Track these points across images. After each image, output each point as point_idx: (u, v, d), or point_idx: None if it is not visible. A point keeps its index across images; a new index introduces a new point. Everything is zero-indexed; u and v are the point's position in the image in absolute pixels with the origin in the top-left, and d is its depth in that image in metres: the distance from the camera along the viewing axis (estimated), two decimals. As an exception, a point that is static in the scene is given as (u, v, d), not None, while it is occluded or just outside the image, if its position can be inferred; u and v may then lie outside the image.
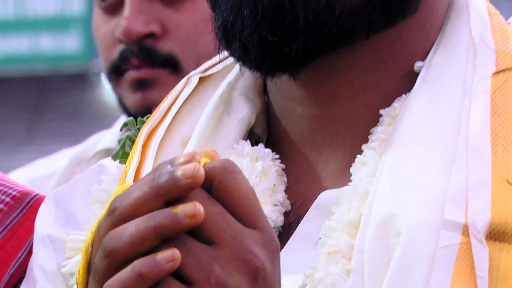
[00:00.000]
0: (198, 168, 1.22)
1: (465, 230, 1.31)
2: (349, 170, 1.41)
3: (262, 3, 1.38)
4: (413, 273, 1.32)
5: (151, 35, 2.19)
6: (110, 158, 1.57)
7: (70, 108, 18.51)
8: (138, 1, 2.24)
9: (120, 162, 1.51)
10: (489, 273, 1.31)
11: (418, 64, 1.44)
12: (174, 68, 2.23)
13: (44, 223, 1.58)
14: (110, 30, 2.27)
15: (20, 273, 1.73)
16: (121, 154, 1.52)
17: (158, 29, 2.22)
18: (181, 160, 1.23)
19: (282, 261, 1.33)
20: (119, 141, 1.54)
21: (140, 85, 2.27)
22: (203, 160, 1.26)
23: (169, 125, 1.50)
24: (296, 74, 1.45)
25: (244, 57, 1.42)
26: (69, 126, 17.86)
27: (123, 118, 2.43)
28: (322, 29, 1.39)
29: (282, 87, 1.48)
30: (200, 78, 1.54)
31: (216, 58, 1.54)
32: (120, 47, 2.23)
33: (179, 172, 1.21)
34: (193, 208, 1.19)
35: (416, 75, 1.43)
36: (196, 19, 2.23)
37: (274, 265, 1.28)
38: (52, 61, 18.16)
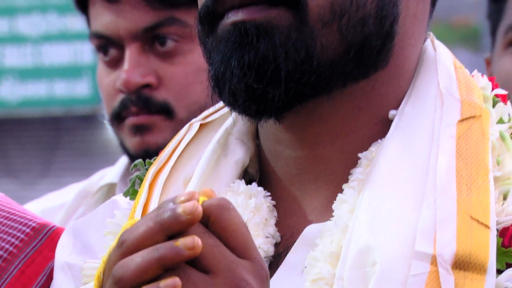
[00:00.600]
0: (197, 206, 1.24)
1: (433, 260, 1.31)
2: (331, 206, 1.41)
3: (248, 55, 1.38)
4: None
5: (147, 86, 2.22)
6: (122, 194, 1.56)
7: (81, 145, 18.51)
8: (136, 56, 2.25)
9: (130, 199, 1.52)
10: None
11: (392, 112, 1.44)
12: (169, 114, 2.25)
13: (63, 252, 1.58)
14: (111, 81, 2.28)
15: None
16: (131, 191, 1.52)
17: (154, 81, 2.24)
18: (182, 198, 1.25)
19: (272, 287, 1.35)
20: (129, 180, 1.54)
21: (138, 129, 2.28)
22: (202, 199, 1.28)
23: (173, 166, 1.50)
24: (281, 118, 1.45)
25: (233, 102, 1.42)
26: (80, 161, 17.83)
27: (124, 158, 2.44)
28: (302, 78, 1.39)
29: (271, 132, 1.47)
30: (201, 125, 1.54)
31: (214, 107, 1.55)
32: (121, 96, 2.26)
33: (180, 209, 1.23)
34: (192, 241, 1.21)
35: (390, 122, 1.43)
36: (188, 71, 2.25)
37: None
38: (65, 104, 18.16)
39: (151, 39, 2.24)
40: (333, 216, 1.41)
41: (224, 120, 1.53)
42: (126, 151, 2.29)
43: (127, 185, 2.36)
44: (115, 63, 2.26)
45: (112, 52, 2.27)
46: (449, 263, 1.32)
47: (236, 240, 1.27)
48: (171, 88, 2.27)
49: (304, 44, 1.39)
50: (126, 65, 2.22)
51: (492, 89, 1.49)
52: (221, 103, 1.54)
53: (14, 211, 1.78)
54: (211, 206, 1.27)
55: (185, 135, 1.54)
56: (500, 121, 1.47)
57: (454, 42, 23.18)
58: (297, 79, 1.39)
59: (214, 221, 1.26)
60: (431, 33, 1.52)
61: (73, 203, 2.40)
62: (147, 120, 2.24)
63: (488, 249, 1.34)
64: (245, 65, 1.38)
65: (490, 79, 1.51)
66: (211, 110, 1.56)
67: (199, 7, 1.44)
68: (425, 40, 1.50)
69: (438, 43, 1.51)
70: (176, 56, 2.26)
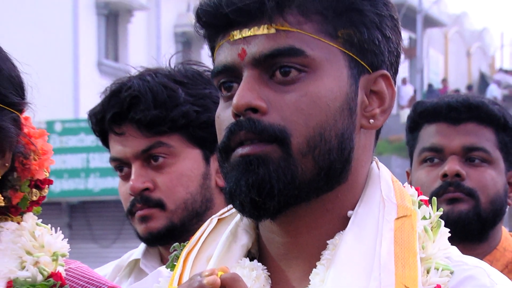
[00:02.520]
0: (216, 279, 1.26)
1: None
2: (309, 277, 1.38)
3: (252, 178, 1.36)
4: None
5: (147, 189, 2.21)
6: (165, 266, 1.53)
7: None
8: (138, 170, 2.23)
9: (170, 270, 1.48)
10: None
11: (349, 212, 1.41)
12: (162, 207, 2.23)
13: None
14: (126, 189, 2.27)
15: None
16: (171, 265, 1.49)
17: (151, 185, 2.23)
18: (206, 273, 1.27)
19: None
20: (169, 257, 1.50)
21: (143, 219, 2.25)
22: (220, 273, 1.30)
23: (199, 249, 1.47)
24: (275, 218, 1.41)
25: (242, 210, 1.40)
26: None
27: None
28: (289, 193, 1.37)
29: (266, 225, 1.44)
30: (218, 219, 1.50)
31: (228, 207, 1.51)
32: (131, 198, 2.24)
33: (205, 281, 1.26)
34: None
35: (348, 219, 1.40)
36: (173, 177, 2.22)
37: None
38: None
39: (147, 157, 2.23)
40: (309, 284, 1.38)
41: (234, 216, 1.50)
42: (137, 235, 2.30)
43: (147, 259, 2.40)
44: (127, 177, 2.25)
45: (125, 169, 2.27)
46: None
47: None
48: (163, 190, 2.25)
49: (289, 170, 1.37)
50: (132, 176, 2.22)
51: (418, 195, 1.47)
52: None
53: (91, 277, 1.73)
54: (226, 278, 1.28)
55: (208, 226, 1.51)
56: (424, 218, 1.44)
57: (391, 152, 23.34)
58: (286, 194, 1.37)
59: None
60: (375, 157, 1.49)
61: (111, 274, 2.42)
62: (148, 213, 2.23)
63: None
64: (250, 185, 1.36)
65: (416, 189, 1.48)
66: (225, 209, 1.53)
67: (219, 142, 1.42)
68: (371, 162, 1.47)
69: (380, 164, 1.49)
70: (165, 167, 2.24)
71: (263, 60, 1.37)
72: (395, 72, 1.46)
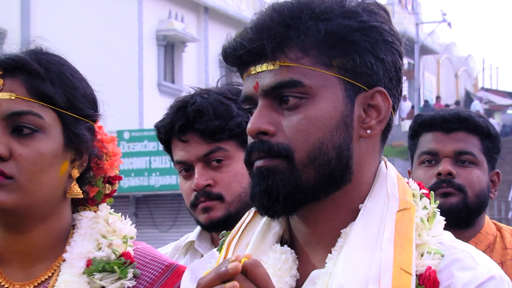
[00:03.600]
0: (238, 265, 1.24)
1: None
2: (325, 260, 1.36)
3: (263, 186, 1.36)
4: None
5: (209, 185, 2.20)
6: (216, 249, 1.53)
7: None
8: (201, 170, 2.22)
9: (220, 253, 1.47)
10: None
11: (360, 205, 1.39)
12: (222, 200, 2.21)
13: (185, 281, 1.53)
14: (188, 186, 2.25)
15: None
16: (220, 248, 1.48)
17: (212, 182, 2.21)
18: (232, 259, 1.25)
19: None
20: (219, 242, 1.51)
21: (205, 210, 2.23)
22: (244, 259, 1.27)
23: (240, 236, 1.45)
24: (290, 215, 1.43)
25: (260, 211, 1.42)
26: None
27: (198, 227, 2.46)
28: (295, 197, 1.37)
29: (294, 217, 1.43)
30: (255, 212, 1.48)
31: None
32: (194, 193, 2.22)
33: (229, 266, 1.24)
34: (233, 285, 1.22)
35: (358, 211, 1.39)
36: (230, 175, 2.22)
37: None
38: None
39: (208, 160, 2.21)
40: (325, 266, 1.36)
41: None
42: (199, 223, 2.28)
43: (200, 241, 2.39)
44: (190, 176, 2.23)
45: (189, 170, 2.25)
46: None
47: (262, 283, 1.26)
48: (222, 186, 2.22)
49: (294, 179, 1.36)
50: (196, 175, 2.20)
51: (420, 189, 1.44)
52: None
53: (155, 255, 1.72)
54: (248, 264, 1.25)
55: (246, 217, 1.50)
56: (424, 208, 1.42)
57: (394, 155, 23.17)
58: (292, 197, 1.37)
59: (250, 273, 1.25)
60: (385, 158, 1.47)
61: (171, 253, 2.43)
62: (210, 204, 2.21)
63: (410, 286, 1.30)
64: (262, 192, 1.37)
65: (419, 184, 1.46)
66: None
67: (244, 158, 1.43)
68: (380, 162, 1.45)
69: (389, 164, 1.46)
70: (223, 168, 2.22)
71: (271, 91, 1.37)
72: (397, 84, 1.43)
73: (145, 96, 24.32)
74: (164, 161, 18.12)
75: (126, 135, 18.97)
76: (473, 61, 45.05)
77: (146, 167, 19.16)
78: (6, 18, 21.22)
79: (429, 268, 1.33)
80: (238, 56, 1.40)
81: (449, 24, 33.76)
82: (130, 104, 23.35)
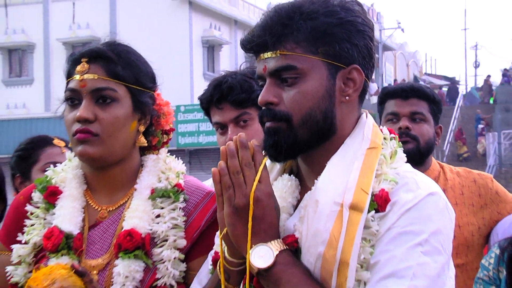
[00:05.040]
0: (241, 137, 1.27)
1: (341, 205, 1.24)
2: (316, 183, 1.30)
3: (270, 142, 1.30)
4: (321, 218, 1.23)
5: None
6: None
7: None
8: (233, 129, 2.08)
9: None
10: (347, 225, 1.21)
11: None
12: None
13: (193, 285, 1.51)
14: (223, 139, 2.09)
15: (202, 229, 1.59)
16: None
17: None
18: (241, 135, 1.30)
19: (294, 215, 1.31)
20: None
21: (221, 128, 2.12)
22: (253, 141, 1.29)
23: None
24: (293, 159, 1.37)
25: (269, 158, 1.32)
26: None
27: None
28: (293, 149, 1.30)
29: (298, 158, 1.37)
30: None
31: None
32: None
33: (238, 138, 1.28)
34: (240, 135, 1.29)
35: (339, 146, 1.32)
36: (253, 131, 2.07)
37: (265, 204, 1.24)
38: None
39: (237, 121, 2.08)
40: (312, 189, 1.30)
41: None
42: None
43: None
44: (224, 133, 2.10)
45: (223, 129, 2.12)
46: (347, 205, 1.23)
47: (257, 160, 1.27)
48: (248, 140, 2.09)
49: (292, 136, 1.29)
50: (229, 132, 2.07)
51: (390, 134, 1.38)
52: None
53: (198, 185, 1.68)
54: (255, 146, 1.27)
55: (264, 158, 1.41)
56: (391, 147, 1.35)
57: (365, 120, 22.54)
58: (291, 149, 1.30)
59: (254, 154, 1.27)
60: (366, 110, 1.39)
61: (211, 185, 2.25)
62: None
63: (366, 202, 1.23)
64: (270, 146, 1.31)
65: (390, 130, 1.39)
66: None
67: (259, 119, 1.36)
68: (361, 115, 1.37)
69: (369, 115, 1.38)
70: (248, 126, 2.09)
71: (274, 73, 1.31)
72: (369, 60, 1.34)
73: (194, 82, 24.04)
74: (208, 126, 17.93)
75: (182, 108, 18.81)
76: (419, 55, 44.24)
77: (196, 129, 19.04)
78: (100, 28, 21.11)
79: (383, 190, 1.26)
80: (250, 47, 1.34)
81: (402, 30, 33.18)
82: (184, 87, 23.15)
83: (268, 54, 1.31)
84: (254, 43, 1.32)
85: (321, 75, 1.29)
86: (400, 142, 1.38)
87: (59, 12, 24.84)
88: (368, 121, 1.35)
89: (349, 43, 1.29)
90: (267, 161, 1.32)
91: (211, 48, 26.34)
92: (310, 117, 1.29)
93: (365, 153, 1.29)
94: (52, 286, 1.33)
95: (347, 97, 1.32)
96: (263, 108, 1.32)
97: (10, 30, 24.94)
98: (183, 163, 1.71)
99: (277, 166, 1.41)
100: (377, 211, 1.24)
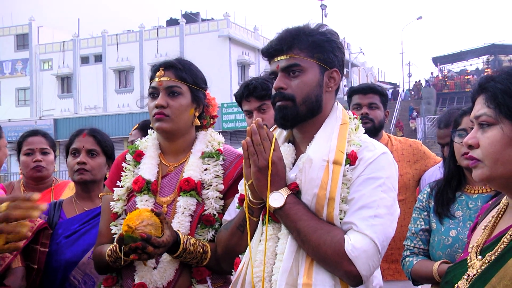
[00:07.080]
0: (257, 123, 1.20)
1: (327, 161, 1.19)
2: (307, 148, 1.25)
3: (280, 115, 1.26)
4: (314, 170, 1.19)
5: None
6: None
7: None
8: (257, 115, 2.02)
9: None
10: (332, 174, 1.17)
11: (323, 123, 1.27)
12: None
13: None
14: (250, 122, 2.01)
15: (234, 179, 1.50)
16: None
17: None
18: (258, 122, 1.22)
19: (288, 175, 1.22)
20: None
21: (248, 114, 2.09)
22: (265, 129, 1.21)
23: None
24: (293, 128, 1.30)
25: (279, 127, 1.29)
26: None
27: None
28: (295, 120, 1.25)
29: (294, 130, 1.31)
30: (275, 127, 1.36)
31: None
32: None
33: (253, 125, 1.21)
34: (257, 120, 1.22)
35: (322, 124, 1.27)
36: (270, 117, 2.01)
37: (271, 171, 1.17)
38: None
39: (259, 109, 2.04)
40: (305, 151, 1.25)
41: None
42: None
43: None
44: (251, 117, 2.05)
45: (250, 114, 2.07)
46: (331, 161, 1.19)
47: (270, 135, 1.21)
48: (267, 120, 2.02)
49: (295, 111, 1.25)
50: (254, 117, 2.00)
51: (354, 115, 1.33)
52: None
53: (232, 150, 1.62)
54: (268, 131, 1.22)
55: (275, 129, 1.38)
56: (354, 124, 1.30)
57: (340, 111, 22.38)
58: (294, 120, 1.26)
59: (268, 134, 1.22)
60: (337, 100, 1.34)
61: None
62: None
63: (343, 159, 1.20)
64: (279, 118, 1.27)
65: (353, 112, 1.34)
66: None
67: (271, 101, 1.29)
68: (335, 103, 1.32)
69: (339, 103, 1.33)
70: (266, 112, 2.05)
71: (285, 69, 1.26)
72: (342, 67, 1.30)
73: (232, 87, 24.18)
74: (242, 116, 17.93)
75: (225, 105, 18.85)
76: (374, 69, 43.51)
77: (234, 118, 18.96)
78: (174, 55, 21.11)
79: (353, 151, 1.22)
80: (269, 53, 1.29)
81: (363, 53, 33.19)
82: (226, 91, 23.14)
83: (282, 57, 1.27)
84: (273, 49, 1.28)
85: (315, 72, 1.26)
86: (360, 120, 1.35)
87: (148, 47, 26.20)
88: (339, 106, 1.32)
89: (333, 54, 1.28)
90: (276, 130, 1.31)
91: (243, 67, 26.60)
92: (308, 98, 1.25)
93: (339, 127, 1.27)
94: (142, 223, 1.31)
95: (329, 89, 1.29)
96: (275, 92, 1.27)
97: (119, 58, 27.18)
98: (225, 139, 1.68)
99: (282, 136, 1.36)
100: (350, 164, 1.21)
